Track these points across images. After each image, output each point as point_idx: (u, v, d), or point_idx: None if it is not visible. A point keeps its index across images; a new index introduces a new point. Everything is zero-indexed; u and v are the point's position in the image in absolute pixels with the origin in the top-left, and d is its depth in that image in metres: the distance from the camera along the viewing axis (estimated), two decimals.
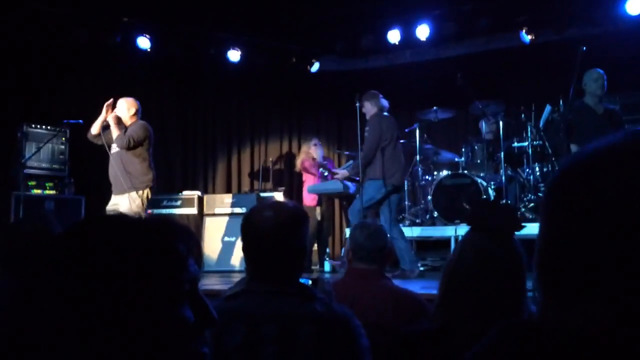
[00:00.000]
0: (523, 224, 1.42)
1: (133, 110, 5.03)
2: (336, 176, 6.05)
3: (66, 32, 6.58)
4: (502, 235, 1.36)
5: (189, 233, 0.78)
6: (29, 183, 5.91)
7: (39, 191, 6.05)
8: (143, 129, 4.99)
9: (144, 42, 6.94)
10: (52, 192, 6.17)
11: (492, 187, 5.97)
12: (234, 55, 7.38)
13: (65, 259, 0.70)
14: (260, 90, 8.29)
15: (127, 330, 0.68)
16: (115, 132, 4.90)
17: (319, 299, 1.61)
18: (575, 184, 0.62)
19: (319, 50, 7.85)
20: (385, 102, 5.49)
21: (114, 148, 4.96)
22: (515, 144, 6.10)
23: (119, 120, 4.96)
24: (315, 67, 7.80)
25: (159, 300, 0.70)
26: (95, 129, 5.01)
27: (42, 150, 5.94)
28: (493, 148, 6.23)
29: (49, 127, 6.19)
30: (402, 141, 5.74)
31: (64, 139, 6.29)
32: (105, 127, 5.01)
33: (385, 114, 5.46)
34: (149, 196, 5.03)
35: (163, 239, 0.74)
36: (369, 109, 5.47)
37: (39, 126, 6.20)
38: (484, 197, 5.67)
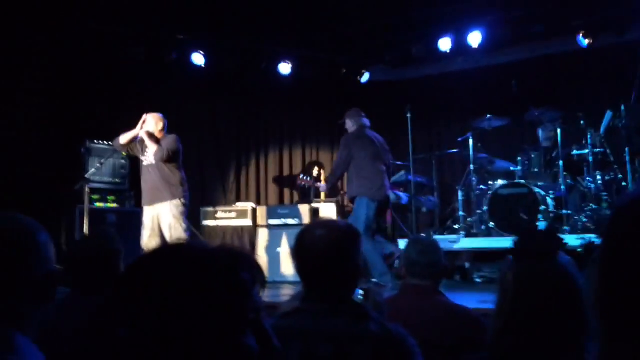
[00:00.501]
0: (563, 241, 1.39)
1: (161, 125, 5.26)
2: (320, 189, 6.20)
3: (124, 51, 6.86)
4: (545, 259, 1.33)
5: (254, 262, 0.80)
6: (93, 197, 6.15)
7: (101, 204, 6.30)
8: (176, 142, 5.21)
9: (198, 58, 7.14)
10: (114, 205, 6.41)
11: (551, 196, 5.79)
12: (285, 68, 7.49)
13: (136, 289, 0.73)
14: (311, 102, 8.36)
15: (193, 357, 0.70)
16: (152, 146, 5.10)
17: (373, 318, 1.60)
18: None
19: (369, 61, 7.85)
20: (366, 121, 5.64)
21: (148, 160, 5.18)
22: (575, 152, 5.89)
23: (152, 135, 5.16)
24: (365, 77, 7.81)
25: (224, 329, 0.72)
26: (124, 139, 5.25)
27: (104, 165, 6.18)
28: (551, 156, 6.05)
29: (110, 143, 6.44)
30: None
31: (124, 154, 6.51)
32: (133, 139, 5.26)
33: (367, 131, 5.58)
34: (188, 205, 5.23)
35: (229, 268, 0.76)
36: (350, 126, 5.66)
37: (100, 142, 6.45)
38: (542, 207, 5.50)
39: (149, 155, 5.18)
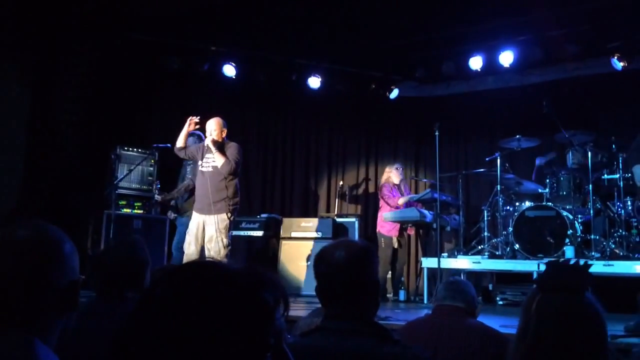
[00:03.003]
0: (592, 277, 1.36)
1: (225, 131, 5.11)
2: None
3: (158, 61, 6.99)
4: (574, 294, 1.30)
5: (277, 284, 0.79)
6: (120, 202, 6.24)
7: (128, 210, 6.38)
8: (240, 153, 5.08)
9: (229, 70, 7.24)
10: (140, 211, 6.49)
11: (579, 220, 5.68)
12: (315, 81, 7.53)
13: (158, 305, 0.73)
14: (339, 116, 8.38)
15: None
16: (219, 157, 4.94)
17: (395, 339, 1.59)
18: None
19: (399, 77, 7.84)
20: None
21: (206, 167, 5.04)
22: (606, 176, 5.79)
23: (218, 144, 4.99)
24: (394, 93, 7.80)
25: (244, 352, 0.71)
26: (180, 141, 5.17)
27: (132, 171, 6.27)
28: (580, 180, 5.94)
29: (139, 150, 6.53)
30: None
31: (153, 161, 6.60)
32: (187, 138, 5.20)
33: None
34: (234, 218, 5.12)
35: (251, 289, 0.75)
36: None
37: (131, 149, 6.55)
38: (570, 231, 5.40)
39: (209, 162, 5.04)
